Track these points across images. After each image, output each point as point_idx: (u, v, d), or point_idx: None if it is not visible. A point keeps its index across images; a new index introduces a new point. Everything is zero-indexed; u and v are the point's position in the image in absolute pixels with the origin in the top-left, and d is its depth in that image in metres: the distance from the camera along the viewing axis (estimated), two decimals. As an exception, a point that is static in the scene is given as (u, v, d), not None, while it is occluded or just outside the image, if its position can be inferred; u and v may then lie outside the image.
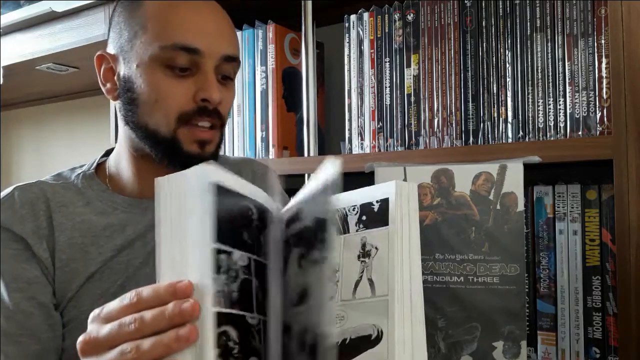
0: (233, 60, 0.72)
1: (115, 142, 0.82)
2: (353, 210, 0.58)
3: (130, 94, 0.71)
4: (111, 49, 0.74)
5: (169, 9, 0.70)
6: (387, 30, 1.04)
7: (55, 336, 0.70)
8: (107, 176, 0.78)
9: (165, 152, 0.71)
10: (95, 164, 0.80)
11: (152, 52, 0.69)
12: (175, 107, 0.69)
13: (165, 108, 0.69)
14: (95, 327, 0.48)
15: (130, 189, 0.77)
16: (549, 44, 0.89)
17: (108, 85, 0.75)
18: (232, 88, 0.76)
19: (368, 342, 0.51)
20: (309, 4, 1.15)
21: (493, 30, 0.94)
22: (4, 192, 0.74)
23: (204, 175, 0.46)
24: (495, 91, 0.94)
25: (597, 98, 0.84)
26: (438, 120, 0.98)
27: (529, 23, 0.90)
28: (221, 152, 1.22)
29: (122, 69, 0.72)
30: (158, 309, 0.45)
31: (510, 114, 0.92)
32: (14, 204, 0.72)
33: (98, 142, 1.89)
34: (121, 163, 0.78)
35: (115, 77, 0.74)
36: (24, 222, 0.71)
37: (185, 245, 0.46)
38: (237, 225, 0.49)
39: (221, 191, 0.47)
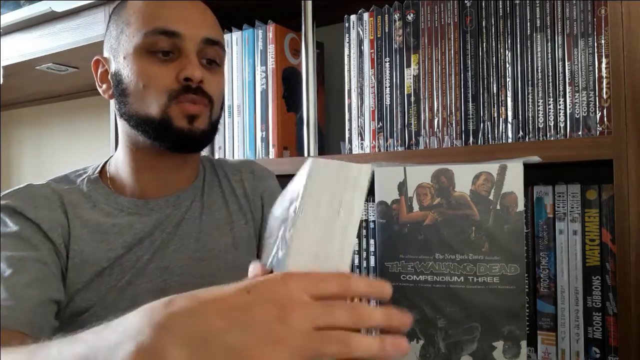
0: (215, 43, 0.75)
1: (116, 142, 0.83)
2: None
3: (121, 86, 0.75)
4: (105, 53, 0.79)
5: (151, 3, 0.74)
6: (387, 30, 1.04)
7: (59, 297, 0.69)
8: (109, 178, 0.80)
9: (156, 131, 0.73)
10: (99, 168, 0.82)
11: (137, 42, 0.73)
12: (162, 88, 0.72)
13: (152, 92, 0.72)
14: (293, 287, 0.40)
15: (131, 188, 0.79)
16: (549, 44, 0.89)
17: (104, 86, 0.80)
18: (219, 73, 0.78)
19: None
20: (309, 4, 1.15)
21: (493, 30, 0.94)
22: (16, 187, 0.76)
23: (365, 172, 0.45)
24: (495, 91, 0.94)
25: (597, 98, 0.84)
26: (438, 120, 0.98)
27: (529, 23, 0.90)
28: (222, 155, 1.23)
29: (113, 67, 0.77)
30: (384, 310, 0.41)
31: (510, 114, 0.92)
32: (27, 195, 0.74)
33: (98, 142, 1.89)
34: (121, 162, 0.80)
35: (109, 77, 0.78)
36: (38, 210, 0.72)
37: (335, 236, 0.43)
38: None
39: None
